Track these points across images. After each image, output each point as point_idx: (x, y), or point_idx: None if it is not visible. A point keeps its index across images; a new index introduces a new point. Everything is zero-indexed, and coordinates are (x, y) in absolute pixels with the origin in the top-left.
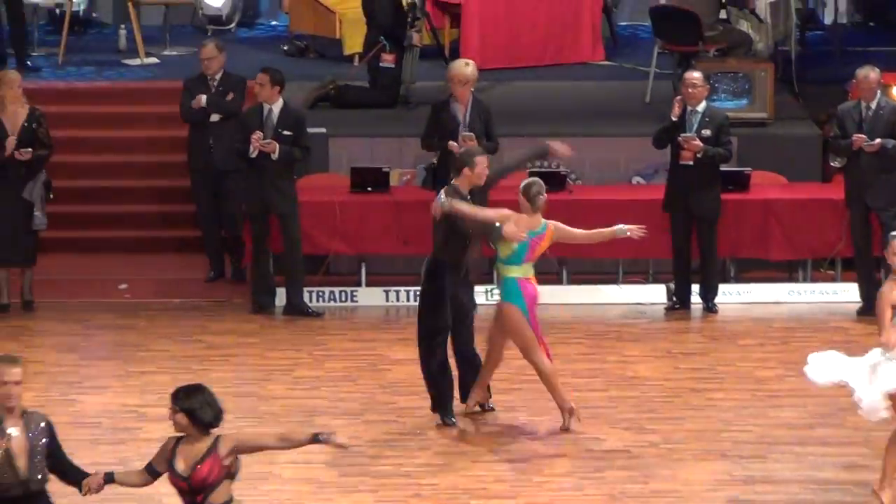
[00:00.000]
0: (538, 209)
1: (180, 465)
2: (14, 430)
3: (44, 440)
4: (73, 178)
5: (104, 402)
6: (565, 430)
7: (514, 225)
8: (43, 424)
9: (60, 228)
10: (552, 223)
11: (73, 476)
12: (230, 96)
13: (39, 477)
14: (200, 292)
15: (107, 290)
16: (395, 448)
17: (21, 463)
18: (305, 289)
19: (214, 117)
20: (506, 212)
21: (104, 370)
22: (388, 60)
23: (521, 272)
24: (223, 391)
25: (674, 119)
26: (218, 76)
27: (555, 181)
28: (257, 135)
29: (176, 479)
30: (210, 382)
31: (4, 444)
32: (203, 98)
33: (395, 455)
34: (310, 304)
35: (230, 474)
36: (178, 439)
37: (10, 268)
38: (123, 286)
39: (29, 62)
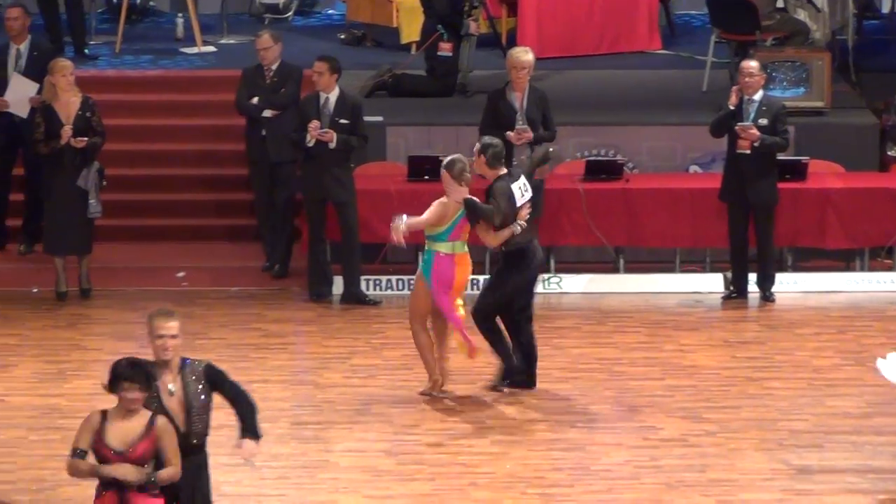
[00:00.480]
0: (464, 186)
1: (114, 441)
2: (172, 387)
3: (200, 387)
4: (129, 167)
5: None
6: (423, 393)
7: (444, 208)
8: (200, 370)
9: (117, 217)
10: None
11: (239, 411)
12: (283, 90)
13: (199, 429)
14: (257, 281)
15: (164, 279)
16: (452, 437)
17: (179, 419)
18: (363, 277)
19: (267, 113)
20: (438, 207)
21: None
22: (445, 49)
23: (446, 248)
24: (280, 379)
25: (731, 108)
26: (274, 66)
27: (612, 170)
28: (314, 124)
29: (108, 453)
30: (267, 371)
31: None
32: (255, 99)
33: (452, 444)
34: (367, 293)
35: (155, 457)
36: (104, 413)
37: (67, 256)
38: (181, 274)
39: (86, 50)
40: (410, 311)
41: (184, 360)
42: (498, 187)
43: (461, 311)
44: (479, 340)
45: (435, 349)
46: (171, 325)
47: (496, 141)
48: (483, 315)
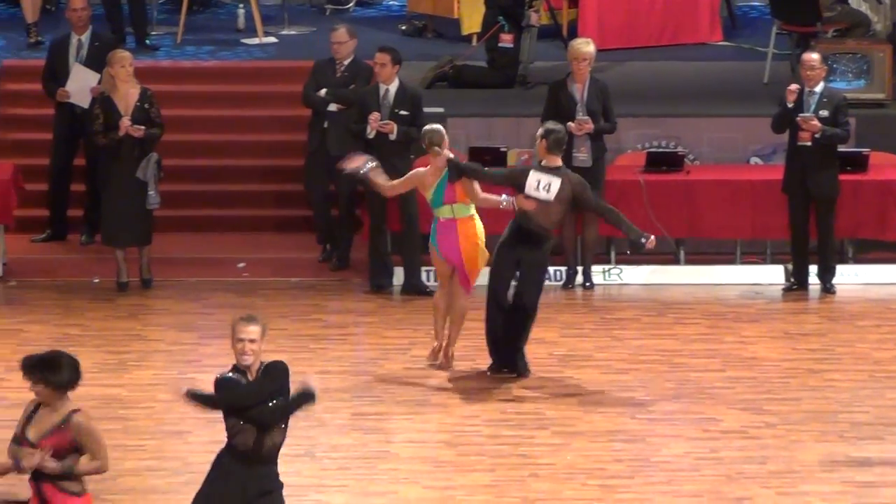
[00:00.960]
0: (439, 152)
1: (30, 432)
2: None
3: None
4: (189, 157)
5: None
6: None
7: (429, 175)
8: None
9: (177, 207)
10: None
11: (294, 407)
12: (352, 86)
13: (272, 442)
14: (317, 272)
15: (224, 269)
16: (513, 427)
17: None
18: (423, 268)
19: (332, 107)
20: (411, 175)
21: (222, 349)
22: (506, 40)
23: (445, 213)
24: (340, 370)
25: (789, 105)
26: (346, 62)
27: (672, 161)
28: (375, 115)
29: (24, 443)
30: (327, 361)
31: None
32: (323, 91)
33: (513, 434)
34: (427, 283)
35: (76, 450)
36: (39, 403)
37: (127, 247)
38: (241, 265)
39: (147, 41)
40: (439, 281)
41: (263, 363)
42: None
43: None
44: None
45: (446, 327)
46: (252, 330)
47: (559, 127)
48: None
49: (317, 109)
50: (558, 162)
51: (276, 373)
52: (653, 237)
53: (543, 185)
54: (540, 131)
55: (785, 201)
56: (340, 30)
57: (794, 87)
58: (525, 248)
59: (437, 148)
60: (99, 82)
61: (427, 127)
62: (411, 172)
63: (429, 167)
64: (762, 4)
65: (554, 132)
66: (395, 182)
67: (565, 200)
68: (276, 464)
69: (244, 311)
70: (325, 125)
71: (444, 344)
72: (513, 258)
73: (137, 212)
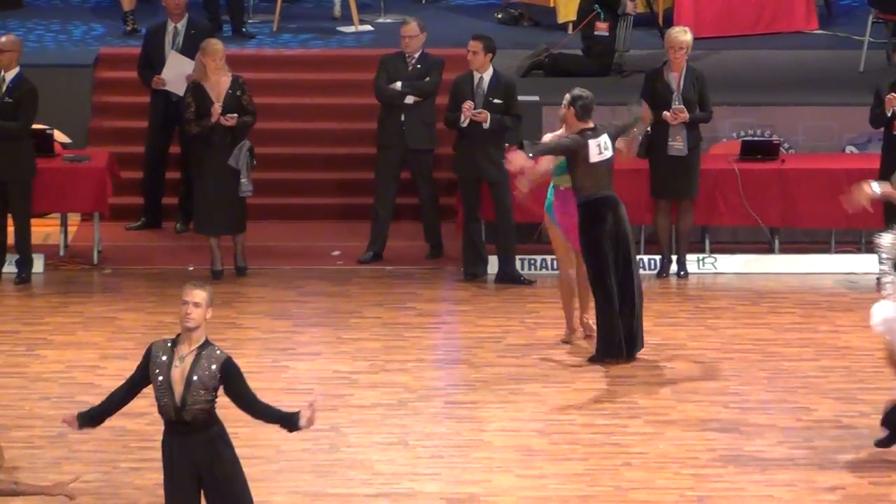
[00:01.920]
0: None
1: None
2: (182, 359)
3: (215, 378)
4: (284, 146)
5: (316, 368)
6: (563, 341)
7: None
8: (216, 366)
9: (273, 195)
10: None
11: (268, 415)
12: (428, 78)
13: (194, 407)
14: (412, 260)
15: (318, 257)
16: (606, 416)
17: (178, 390)
18: (517, 256)
19: (410, 99)
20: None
21: (316, 337)
22: (601, 29)
23: (566, 182)
24: (435, 358)
25: (888, 115)
26: (416, 55)
27: (768, 150)
28: (468, 104)
29: None
30: (422, 350)
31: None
32: (399, 83)
33: (606, 423)
34: (521, 272)
35: None
36: None
37: (221, 235)
38: (336, 253)
39: (244, 29)
40: (557, 256)
41: (209, 342)
42: (570, 139)
43: None
44: None
45: (577, 301)
46: (196, 293)
47: (586, 93)
48: (591, 282)
49: (393, 103)
50: (591, 124)
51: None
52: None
53: (602, 146)
54: (567, 97)
55: None
56: (411, 24)
57: (893, 95)
58: (616, 219)
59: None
60: (194, 70)
61: (582, 91)
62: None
63: (562, 132)
64: None
65: (581, 98)
66: (545, 159)
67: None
68: (215, 425)
69: (337, 298)
70: (402, 118)
71: (583, 327)
72: (611, 235)
73: (230, 199)
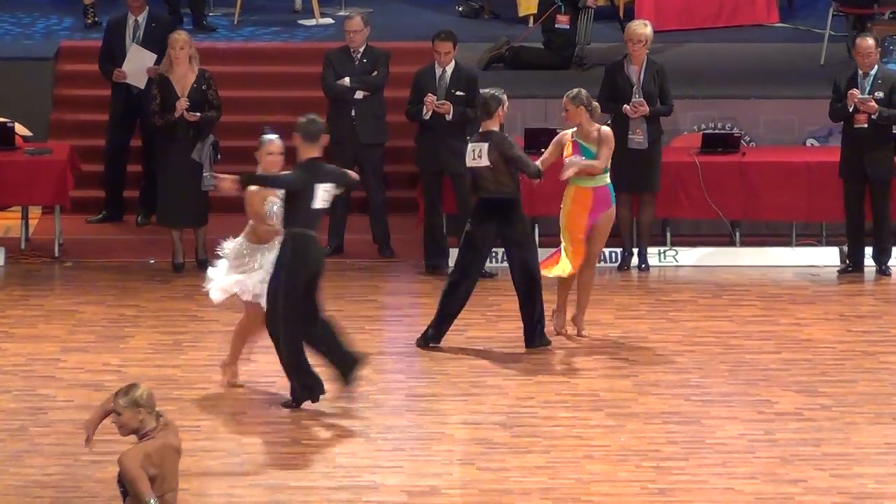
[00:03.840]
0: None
1: None
2: None
3: None
4: (246, 139)
5: (277, 361)
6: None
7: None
8: None
9: None
10: (603, 129)
11: None
12: (375, 73)
13: None
14: (371, 253)
15: None
16: (568, 409)
17: None
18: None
19: (359, 94)
20: (556, 141)
21: None
22: (562, 22)
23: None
24: (396, 351)
25: (850, 110)
26: (361, 49)
27: (728, 143)
28: (430, 97)
29: None
30: (383, 342)
31: None
32: (347, 79)
33: (567, 416)
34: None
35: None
36: None
37: (183, 228)
38: None
39: (205, 22)
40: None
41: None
42: None
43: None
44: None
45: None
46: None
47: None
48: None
49: (342, 98)
50: (492, 127)
51: None
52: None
53: (477, 153)
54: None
55: (840, 183)
56: (355, 19)
57: (855, 91)
58: (500, 220)
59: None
60: (156, 63)
61: (581, 91)
62: (555, 139)
63: (571, 131)
64: None
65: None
66: (545, 156)
67: (497, 161)
68: None
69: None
70: (353, 114)
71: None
72: (490, 234)
73: (193, 193)
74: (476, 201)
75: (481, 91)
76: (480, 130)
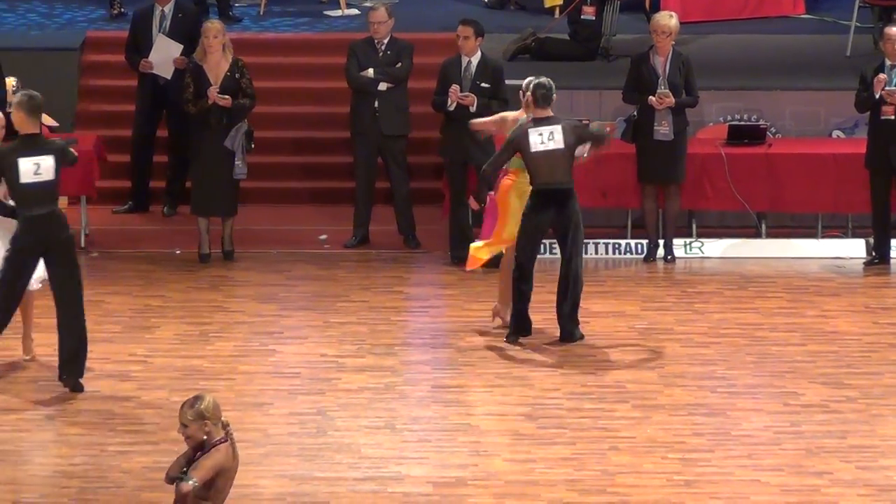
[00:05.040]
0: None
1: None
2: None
3: None
4: (271, 129)
5: (303, 352)
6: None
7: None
8: None
9: (261, 179)
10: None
11: None
12: (399, 64)
13: None
14: (397, 243)
15: (306, 242)
16: (593, 400)
17: None
18: None
19: (382, 86)
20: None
21: (303, 320)
22: (588, 13)
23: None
24: (422, 342)
25: (876, 97)
26: (386, 40)
27: (754, 134)
28: (455, 88)
29: None
30: (408, 334)
31: None
32: (371, 70)
33: (593, 407)
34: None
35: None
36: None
37: (212, 217)
38: (323, 237)
39: (231, 12)
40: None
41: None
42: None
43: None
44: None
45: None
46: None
47: (544, 80)
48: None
49: (366, 90)
50: (549, 113)
51: None
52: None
53: (547, 136)
54: (525, 84)
55: (866, 175)
56: (380, 9)
57: (882, 77)
58: (554, 210)
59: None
60: (182, 53)
61: (546, 80)
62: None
63: (521, 114)
64: None
65: (540, 87)
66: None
67: (571, 145)
68: None
69: (324, 282)
70: (376, 105)
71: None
72: (543, 224)
73: (225, 182)
74: (538, 190)
75: (539, 78)
76: (537, 117)
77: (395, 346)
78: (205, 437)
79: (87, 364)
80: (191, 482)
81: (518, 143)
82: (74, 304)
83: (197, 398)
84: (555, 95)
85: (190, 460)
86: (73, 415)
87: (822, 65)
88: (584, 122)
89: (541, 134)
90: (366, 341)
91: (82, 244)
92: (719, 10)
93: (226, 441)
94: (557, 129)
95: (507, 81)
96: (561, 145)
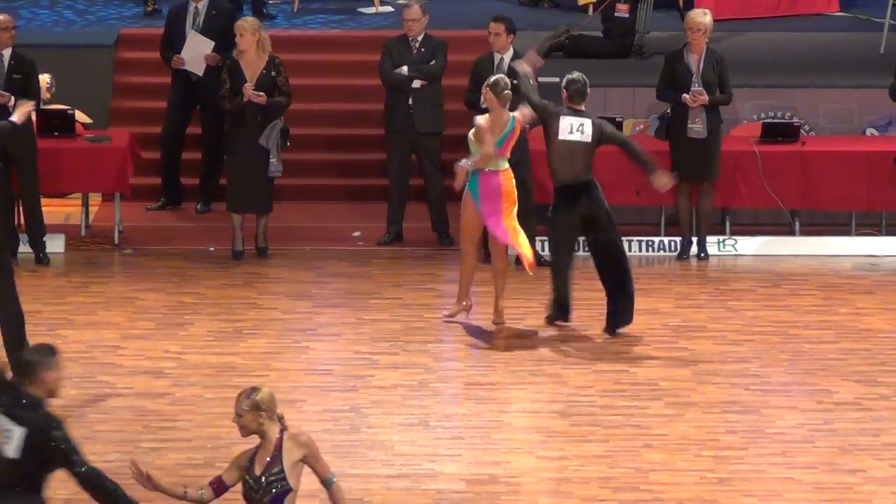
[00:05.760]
0: (505, 104)
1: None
2: None
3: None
4: (305, 126)
5: (336, 349)
6: (449, 316)
7: (487, 124)
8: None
9: (294, 176)
10: (518, 115)
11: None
12: (433, 62)
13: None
14: (430, 241)
15: (340, 239)
16: (626, 398)
17: None
18: (537, 238)
19: (416, 83)
20: (479, 124)
21: (336, 317)
22: (622, 10)
23: (491, 165)
24: (455, 339)
25: None
26: (420, 38)
27: (788, 132)
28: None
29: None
30: (441, 331)
31: None
32: (405, 68)
33: (626, 405)
34: (542, 253)
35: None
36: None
37: (246, 214)
38: (357, 234)
39: (265, 10)
40: (461, 231)
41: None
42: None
43: (514, 225)
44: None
45: (495, 286)
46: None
47: (578, 75)
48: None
49: (399, 87)
50: (582, 108)
51: None
52: (670, 181)
53: (577, 127)
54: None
55: None
56: (414, 7)
57: None
58: (584, 202)
59: (506, 100)
60: (214, 50)
61: (502, 77)
62: (482, 130)
63: (489, 119)
64: None
65: (574, 82)
66: (485, 147)
67: (595, 141)
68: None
69: (358, 279)
70: (410, 102)
71: (495, 311)
72: (576, 219)
73: (260, 179)
74: (562, 187)
75: (573, 74)
76: (575, 108)
77: (428, 343)
78: (257, 429)
79: (120, 360)
80: (334, 479)
81: (548, 119)
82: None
83: (254, 389)
84: (588, 91)
85: (252, 458)
86: (106, 411)
87: (856, 62)
88: (617, 119)
89: (571, 123)
90: (399, 338)
91: (116, 241)
92: (753, 7)
93: (285, 432)
94: (588, 123)
95: (540, 79)
96: (587, 139)
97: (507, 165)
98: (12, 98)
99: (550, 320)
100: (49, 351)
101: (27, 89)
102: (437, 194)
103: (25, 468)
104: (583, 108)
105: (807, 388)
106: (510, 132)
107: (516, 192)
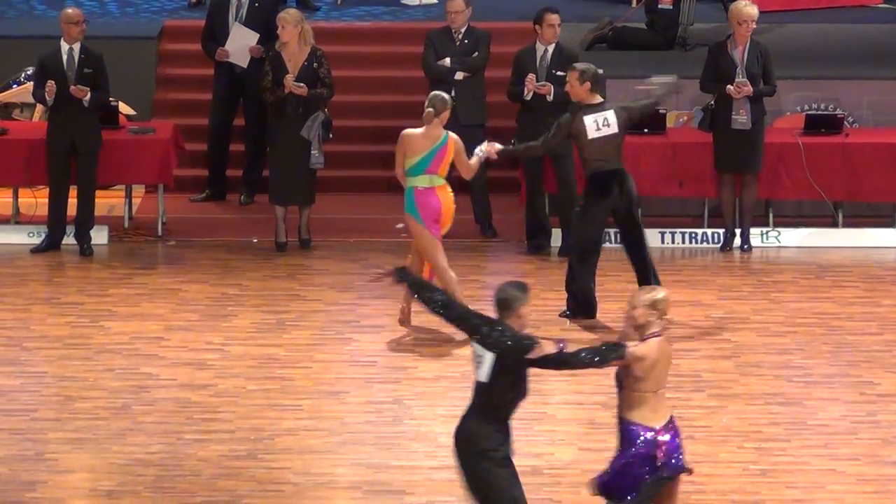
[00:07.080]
0: (441, 120)
1: None
2: None
3: None
4: (348, 118)
5: (379, 340)
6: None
7: (424, 140)
8: None
9: (338, 168)
10: (452, 136)
11: None
12: (476, 53)
13: None
14: (474, 233)
15: (383, 230)
16: (669, 389)
17: None
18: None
19: (459, 75)
20: (402, 137)
21: (380, 309)
22: (666, 2)
23: (424, 182)
24: None
25: None
26: (463, 30)
27: (831, 124)
28: (531, 77)
29: None
30: None
31: None
32: (448, 60)
33: (669, 396)
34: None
35: None
36: None
37: (289, 206)
38: (400, 226)
39: (309, 2)
40: (423, 250)
41: None
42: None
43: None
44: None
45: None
46: None
47: (590, 66)
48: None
49: (442, 79)
50: (599, 99)
51: None
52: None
53: (602, 123)
54: (575, 74)
55: None
56: None
57: None
58: (616, 190)
59: (437, 117)
60: (258, 42)
61: (436, 94)
62: (402, 134)
63: (423, 131)
64: None
65: (594, 73)
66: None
67: (622, 128)
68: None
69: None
70: (452, 94)
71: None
72: (608, 206)
73: (302, 171)
74: (591, 176)
75: (587, 65)
76: (588, 103)
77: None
78: (643, 324)
79: (164, 352)
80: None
81: (570, 128)
82: None
83: (654, 288)
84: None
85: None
86: (150, 403)
87: None
88: (661, 111)
89: (596, 120)
90: (442, 330)
91: (159, 232)
92: None
93: (659, 336)
94: (611, 114)
95: (583, 63)
96: (615, 130)
97: (443, 182)
98: (89, 92)
99: (571, 316)
100: (523, 287)
101: (98, 83)
102: (480, 186)
103: (494, 392)
104: (598, 98)
105: (850, 380)
106: (441, 148)
107: (453, 208)
